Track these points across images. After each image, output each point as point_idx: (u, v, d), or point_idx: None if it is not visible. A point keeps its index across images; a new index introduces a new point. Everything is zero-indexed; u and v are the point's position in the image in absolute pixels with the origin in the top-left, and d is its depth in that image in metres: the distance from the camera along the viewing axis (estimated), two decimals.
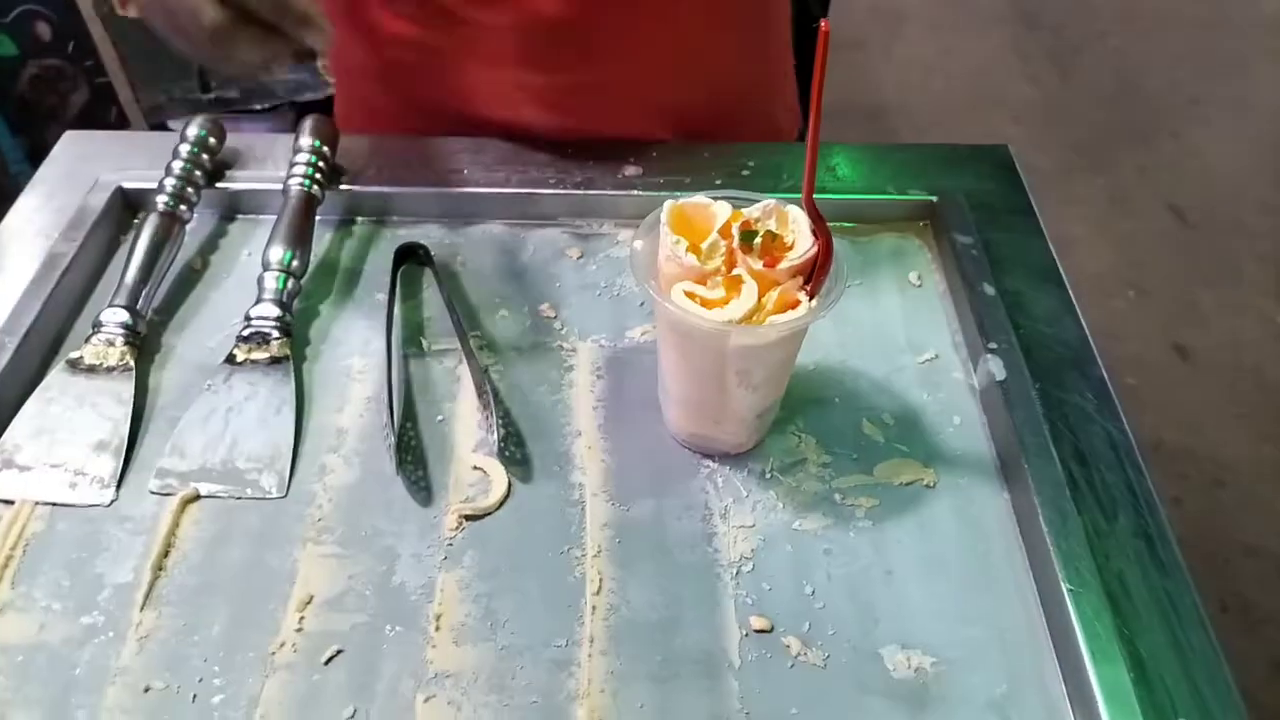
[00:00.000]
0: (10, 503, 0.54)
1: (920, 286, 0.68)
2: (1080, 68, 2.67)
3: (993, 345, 0.60)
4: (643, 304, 0.66)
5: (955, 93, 2.57)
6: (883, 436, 0.58)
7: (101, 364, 0.59)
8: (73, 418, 0.57)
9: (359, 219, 0.72)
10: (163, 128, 1.66)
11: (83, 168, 0.73)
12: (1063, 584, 0.49)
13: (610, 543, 0.53)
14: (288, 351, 0.61)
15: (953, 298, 0.66)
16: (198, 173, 0.69)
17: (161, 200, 0.66)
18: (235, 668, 0.48)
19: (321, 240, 0.70)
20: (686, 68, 0.77)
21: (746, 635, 0.49)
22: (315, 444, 0.57)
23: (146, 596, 0.50)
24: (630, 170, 0.73)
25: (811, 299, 0.49)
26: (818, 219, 0.49)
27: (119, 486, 0.55)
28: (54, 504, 0.54)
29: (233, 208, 0.72)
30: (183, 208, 0.67)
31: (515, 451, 0.57)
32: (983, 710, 0.47)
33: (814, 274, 0.49)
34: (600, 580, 0.51)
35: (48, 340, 0.62)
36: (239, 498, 0.54)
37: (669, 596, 0.51)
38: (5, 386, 0.57)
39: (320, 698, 0.47)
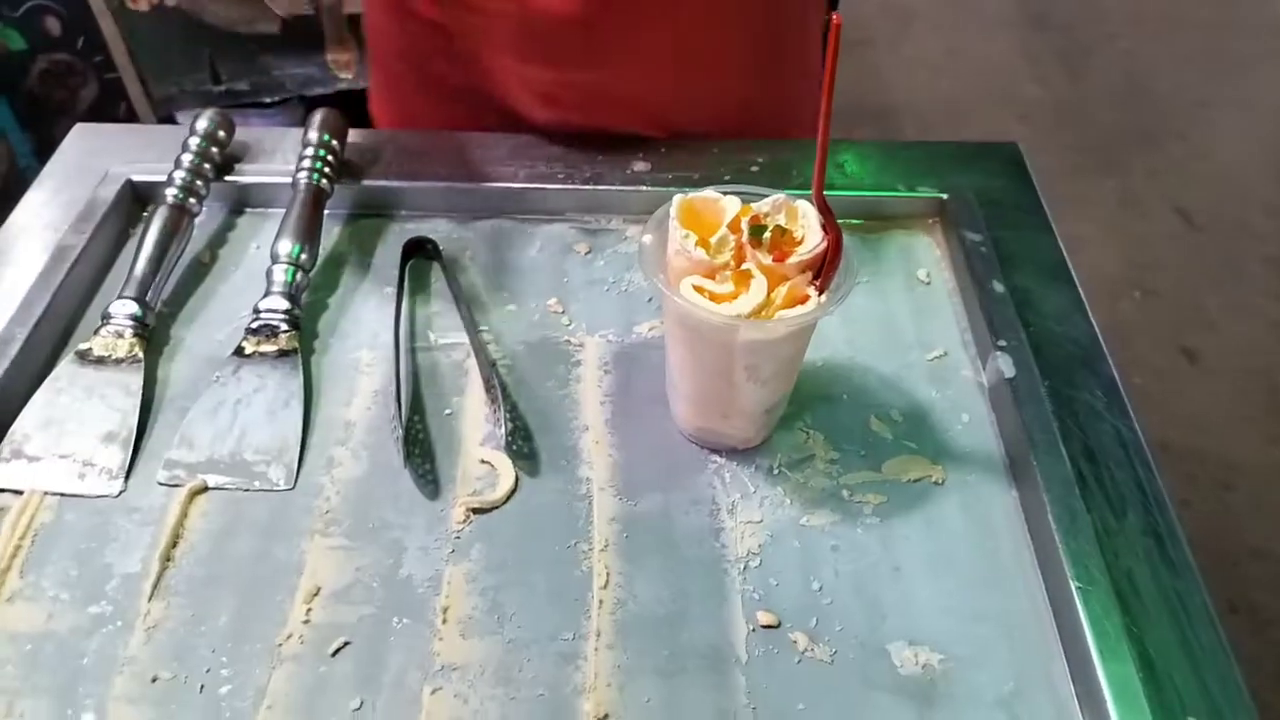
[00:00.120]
0: (19, 493, 0.54)
1: (929, 284, 0.67)
2: (1089, 69, 2.66)
3: (1002, 343, 0.60)
4: (650, 299, 0.66)
5: (963, 93, 2.56)
6: (891, 433, 0.58)
7: (110, 355, 0.59)
8: (82, 409, 0.57)
9: (367, 213, 0.72)
10: (170, 120, 1.66)
11: (92, 161, 0.73)
12: (1071, 582, 0.49)
13: (617, 537, 0.53)
14: (296, 344, 0.61)
15: (962, 295, 0.66)
16: (207, 166, 0.69)
17: (171, 193, 0.66)
18: (242, 658, 0.48)
19: (330, 234, 0.70)
20: (689, 71, 0.76)
21: (753, 630, 0.49)
22: (323, 436, 0.57)
23: (154, 587, 0.50)
24: (639, 166, 0.73)
25: (821, 294, 0.49)
26: (828, 214, 0.49)
27: (127, 477, 0.55)
28: (63, 494, 0.54)
29: (241, 201, 0.72)
30: (192, 201, 0.67)
31: (523, 445, 0.57)
32: (990, 707, 0.47)
33: (823, 269, 0.49)
34: (607, 574, 0.51)
35: (57, 331, 0.62)
36: (247, 489, 0.55)
37: (676, 591, 0.51)
38: (15, 377, 0.58)
39: (327, 689, 0.47)
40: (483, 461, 0.56)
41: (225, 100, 1.62)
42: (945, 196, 0.71)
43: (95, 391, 0.58)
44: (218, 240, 0.70)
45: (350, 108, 0.74)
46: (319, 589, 0.50)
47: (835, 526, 0.54)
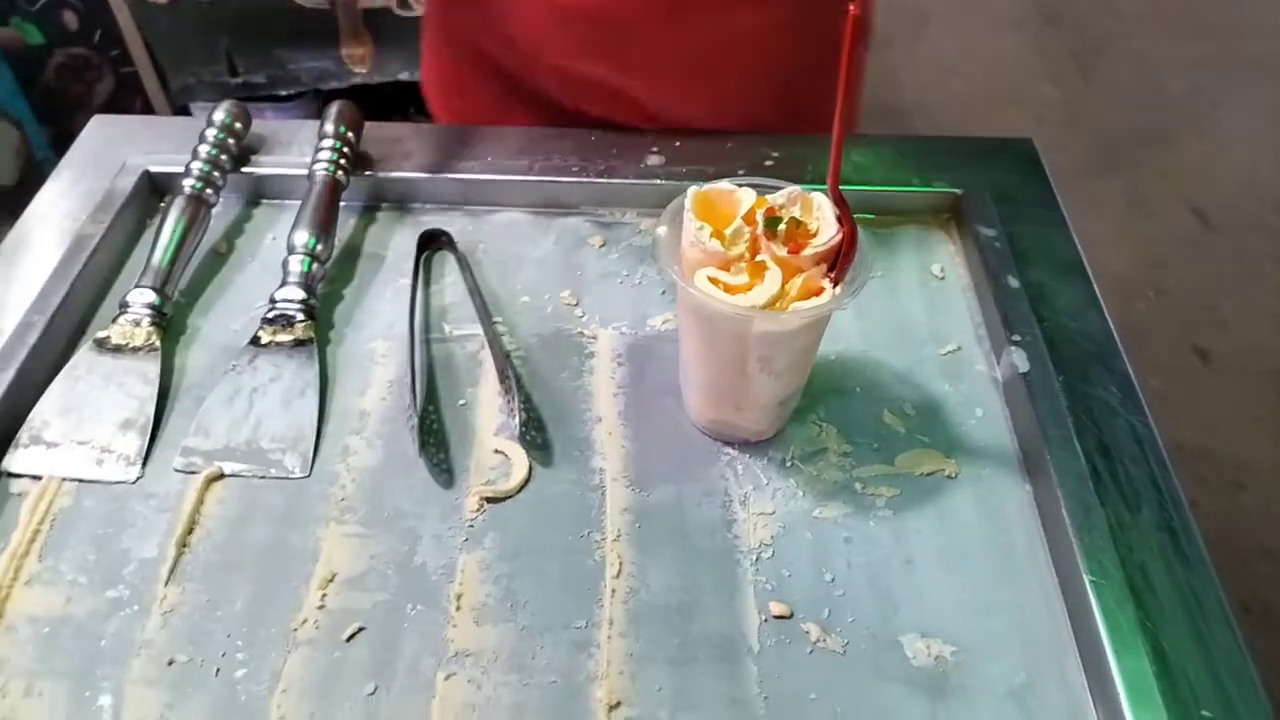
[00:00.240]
0: (38, 478, 0.54)
1: (943, 279, 0.67)
2: (1103, 69, 2.65)
3: (1016, 337, 0.60)
4: (664, 292, 0.66)
5: (976, 93, 2.55)
6: (904, 427, 0.58)
7: (128, 344, 0.60)
8: (100, 396, 0.57)
9: (383, 205, 0.72)
10: (185, 112, 1.67)
11: (110, 152, 0.74)
12: (1085, 575, 0.49)
13: (630, 527, 0.53)
14: (312, 334, 0.61)
15: (976, 290, 0.66)
16: (224, 157, 0.69)
17: (188, 184, 0.67)
18: (258, 643, 0.48)
19: (345, 226, 0.70)
20: (695, 68, 0.76)
21: (766, 621, 0.49)
22: (338, 425, 0.58)
23: (171, 572, 0.51)
24: (653, 159, 0.73)
25: (835, 287, 0.49)
26: (843, 206, 0.49)
27: (144, 464, 0.55)
28: (81, 480, 0.54)
29: (258, 192, 0.73)
30: (209, 191, 0.67)
31: (536, 436, 0.57)
32: (1002, 700, 0.47)
33: (838, 262, 0.49)
34: (620, 564, 0.51)
35: (75, 320, 0.62)
36: (263, 477, 0.55)
37: (688, 581, 0.51)
38: (34, 365, 0.58)
39: (341, 674, 0.47)
40: (497, 451, 0.57)
41: (241, 93, 1.63)
42: (960, 191, 0.70)
43: (113, 379, 0.58)
44: (234, 231, 0.70)
45: (365, 102, 0.74)
46: (334, 575, 0.51)
47: (848, 519, 0.54)
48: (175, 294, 0.63)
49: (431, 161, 0.73)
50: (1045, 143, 0.77)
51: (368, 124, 0.74)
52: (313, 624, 0.49)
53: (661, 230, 0.51)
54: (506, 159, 0.73)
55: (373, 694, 0.46)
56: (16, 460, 0.55)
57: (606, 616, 0.49)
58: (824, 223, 0.49)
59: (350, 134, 0.71)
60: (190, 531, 0.52)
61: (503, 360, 0.60)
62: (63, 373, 0.58)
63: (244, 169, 0.72)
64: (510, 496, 0.54)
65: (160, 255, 0.63)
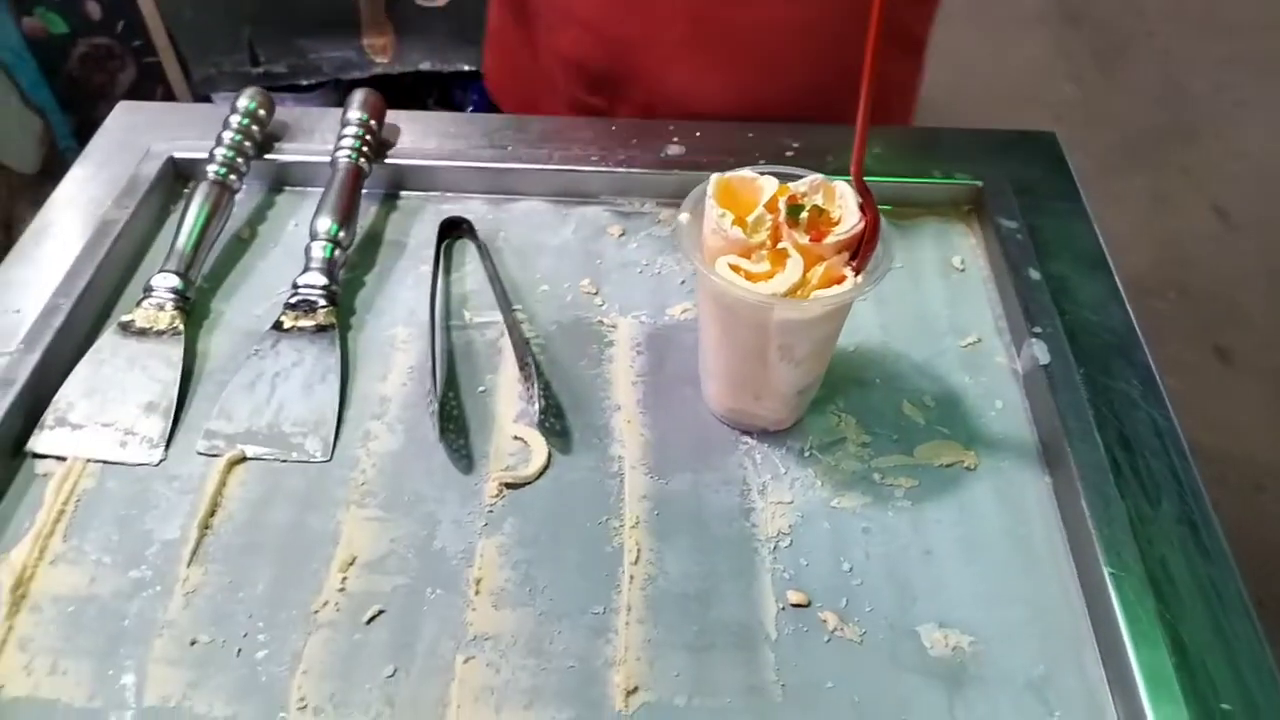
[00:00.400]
0: (63, 459, 0.55)
1: (963, 270, 0.67)
2: (1125, 67, 2.63)
3: (1037, 329, 0.60)
4: (683, 282, 0.66)
5: (997, 91, 2.54)
6: (923, 418, 0.58)
7: (152, 327, 0.60)
8: (124, 379, 0.58)
9: (404, 193, 0.73)
10: (206, 101, 1.68)
11: (135, 138, 0.74)
12: (1104, 567, 0.48)
13: (648, 514, 0.53)
14: (334, 320, 0.61)
15: (996, 282, 0.66)
16: (247, 144, 0.70)
17: (212, 170, 0.67)
18: (279, 624, 0.48)
19: (367, 213, 0.71)
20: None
21: (783, 609, 0.49)
22: (359, 410, 0.58)
23: (193, 553, 0.51)
24: (673, 149, 0.73)
25: (857, 275, 0.49)
26: (866, 194, 0.49)
27: (168, 446, 0.56)
28: (105, 462, 0.55)
29: (280, 179, 0.73)
30: (232, 177, 0.68)
31: (555, 423, 0.58)
32: (1020, 690, 0.47)
33: (860, 250, 0.49)
34: (638, 550, 0.52)
35: (100, 303, 0.63)
36: (284, 460, 0.55)
37: (706, 568, 0.51)
38: (59, 347, 0.59)
39: (361, 656, 0.47)
40: (516, 438, 0.57)
41: (263, 82, 1.64)
42: (981, 184, 0.70)
43: (137, 362, 0.59)
44: (257, 217, 0.71)
45: (386, 92, 0.74)
46: (354, 558, 0.51)
47: (866, 509, 0.54)
48: (198, 279, 0.64)
49: (452, 150, 0.73)
50: (1066, 140, 0.76)
51: (389, 112, 0.74)
52: (333, 606, 0.49)
53: (683, 217, 0.52)
54: (527, 148, 0.73)
55: (392, 676, 0.47)
56: (42, 441, 0.55)
57: (624, 603, 0.50)
58: (846, 211, 0.49)
59: (373, 122, 0.71)
60: (212, 513, 0.53)
61: (522, 347, 0.60)
62: (87, 355, 0.59)
63: (267, 156, 0.72)
64: (529, 483, 0.55)
65: (184, 240, 0.63)
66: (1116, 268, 0.65)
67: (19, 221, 1.51)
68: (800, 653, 0.48)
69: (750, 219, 0.49)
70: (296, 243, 0.66)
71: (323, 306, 0.62)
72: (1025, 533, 0.53)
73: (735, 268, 0.49)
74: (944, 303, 0.65)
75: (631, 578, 0.51)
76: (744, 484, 0.55)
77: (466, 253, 0.69)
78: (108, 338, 0.60)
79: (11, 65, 1.57)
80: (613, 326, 0.64)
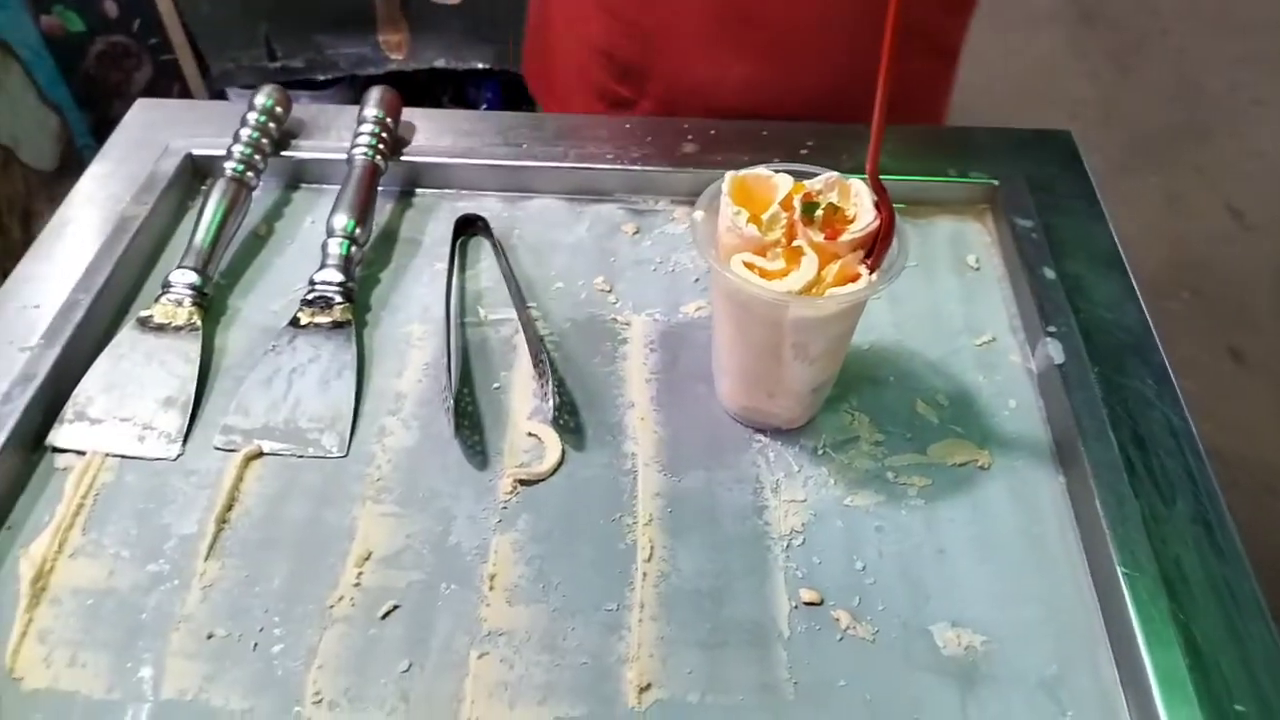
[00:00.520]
0: (82, 453, 0.55)
1: (978, 269, 0.67)
2: (1140, 66, 2.61)
3: (1052, 328, 0.59)
4: (697, 280, 0.67)
5: (1011, 90, 2.53)
6: (937, 417, 0.58)
7: (170, 323, 0.61)
8: (142, 374, 0.58)
9: (420, 190, 0.73)
10: (221, 97, 1.70)
11: (153, 135, 0.75)
12: (1118, 567, 0.48)
13: (661, 512, 0.53)
14: (350, 316, 0.62)
15: (1011, 281, 0.66)
16: (265, 141, 0.70)
17: (230, 167, 0.67)
18: (295, 619, 0.49)
19: (383, 210, 0.71)
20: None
21: (796, 607, 0.50)
22: (375, 406, 0.58)
23: (210, 547, 0.51)
24: (688, 148, 0.73)
25: (872, 273, 0.49)
26: (881, 193, 0.49)
27: (185, 441, 0.56)
28: (123, 456, 0.55)
29: (297, 177, 0.73)
30: (250, 174, 0.68)
31: (569, 420, 0.58)
32: (1033, 690, 0.47)
33: (875, 248, 0.49)
34: (651, 548, 0.52)
35: (119, 299, 0.64)
36: (301, 456, 0.56)
37: (719, 566, 0.51)
38: (78, 342, 0.59)
39: (376, 650, 0.48)
40: (530, 434, 0.57)
41: (279, 77, 1.65)
42: (996, 182, 0.70)
43: (155, 357, 0.59)
44: (274, 214, 0.71)
45: (400, 88, 0.75)
46: (370, 554, 0.51)
47: (879, 508, 0.54)
48: (216, 275, 0.64)
49: (467, 147, 0.74)
50: (1079, 140, 0.76)
51: (405, 110, 0.75)
52: (349, 601, 0.49)
53: (698, 215, 0.52)
54: (542, 145, 0.74)
55: (407, 671, 0.47)
56: (61, 435, 0.56)
57: (638, 600, 0.50)
58: (861, 208, 0.49)
59: (389, 119, 0.71)
60: (229, 508, 0.53)
61: (537, 345, 0.60)
62: (106, 350, 0.59)
63: (284, 153, 0.72)
64: (543, 479, 0.55)
65: (202, 237, 0.64)
66: (1130, 267, 0.65)
67: (37, 218, 1.53)
68: (813, 651, 0.48)
69: (765, 217, 0.49)
70: (313, 239, 0.66)
71: (339, 303, 0.62)
72: (1039, 532, 0.53)
73: (750, 265, 0.49)
74: (959, 301, 0.65)
75: (644, 575, 0.51)
76: (757, 482, 0.55)
77: (481, 250, 0.69)
78: (126, 333, 0.60)
79: (30, 63, 1.58)
80: (627, 324, 0.64)
